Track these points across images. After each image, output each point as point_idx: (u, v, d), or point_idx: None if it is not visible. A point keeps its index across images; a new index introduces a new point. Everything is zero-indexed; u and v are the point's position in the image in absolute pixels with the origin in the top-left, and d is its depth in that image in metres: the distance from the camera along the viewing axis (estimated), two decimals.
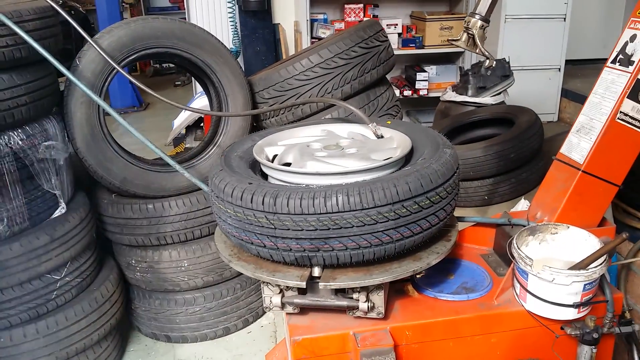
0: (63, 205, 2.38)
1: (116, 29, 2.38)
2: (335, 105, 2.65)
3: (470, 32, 2.07)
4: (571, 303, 1.64)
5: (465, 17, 2.12)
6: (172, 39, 2.46)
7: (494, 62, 2.05)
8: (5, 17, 1.96)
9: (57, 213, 2.37)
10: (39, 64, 2.22)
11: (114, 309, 2.61)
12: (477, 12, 2.07)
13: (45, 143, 2.24)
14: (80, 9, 8.63)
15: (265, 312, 3.07)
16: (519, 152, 3.82)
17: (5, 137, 2.12)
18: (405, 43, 5.65)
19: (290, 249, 1.53)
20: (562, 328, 1.71)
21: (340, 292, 1.65)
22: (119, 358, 2.79)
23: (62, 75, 2.26)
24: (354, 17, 5.57)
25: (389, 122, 2.00)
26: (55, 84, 2.40)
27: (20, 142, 2.15)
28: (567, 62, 6.04)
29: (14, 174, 2.16)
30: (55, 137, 2.28)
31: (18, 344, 2.30)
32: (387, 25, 5.49)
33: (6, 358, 2.30)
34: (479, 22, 2.06)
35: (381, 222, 1.46)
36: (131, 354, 2.86)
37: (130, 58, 2.41)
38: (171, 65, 9.72)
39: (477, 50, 2.06)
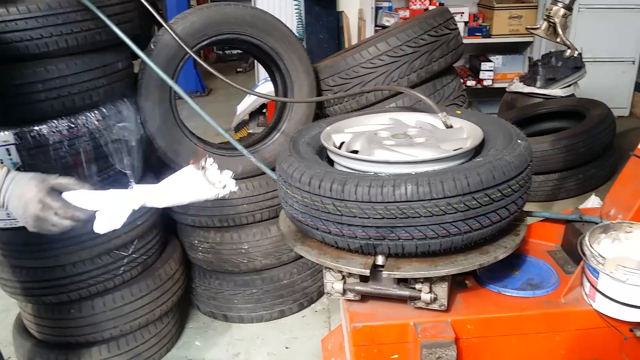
0: (133, 184, 2.47)
1: (190, 15, 2.43)
2: (400, 93, 2.63)
3: (551, 20, 2.00)
4: None
5: (535, 5, 2.06)
6: (243, 26, 2.49)
7: (576, 52, 1.97)
8: (89, 2, 2.04)
9: None
10: (116, 47, 2.29)
11: (175, 287, 2.69)
12: (559, 0, 2.00)
13: (119, 124, 2.31)
14: None
15: (320, 298, 3.10)
16: (589, 146, 3.68)
17: (83, 117, 2.20)
18: (471, 32, 5.52)
19: (356, 237, 1.53)
20: (631, 330, 1.65)
21: (402, 281, 1.64)
22: (179, 334, 2.88)
23: (136, 58, 2.34)
24: (419, 4, 5.48)
25: (459, 112, 1.96)
26: (131, 67, 2.47)
27: (96, 123, 2.22)
28: None
29: (89, 153, 2.24)
30: (128, 119, 2.36)
31: (87, 316, 2.41)
32: (453, 13, 5.35)
33: (76, 329, 2.42)
34: (562, 10, 1.99)
35: (450, 214, 1.45)
36: (190, 330, 2.95)
37: (203, 43, 2.45)
38: (233, 52, 9.87)
39: (558, 39, 1.99)
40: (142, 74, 2.41)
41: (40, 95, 2.06)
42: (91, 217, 1.32)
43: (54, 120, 2.14)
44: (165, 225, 2.81)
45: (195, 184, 1.39)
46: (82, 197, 1.33)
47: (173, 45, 2.38)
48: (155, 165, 2.77)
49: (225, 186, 1.41)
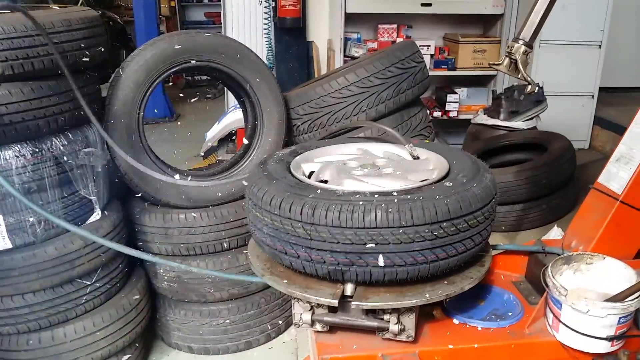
0: (98, 211, 2.42)
1: (160, 42, 2.43)
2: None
3: (513, 57, 2.07)
4: (605, 336, 1.61)
5: (498, 40, 2.13)
6: (213, 54, 2.50)
7: (536, 88, 2.04)
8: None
9: (91, 219, 2.41)
10: (83, 71, 2.28)
11: (140, 317, 2.63)
12: (520, 37, 2.07)
13: (85, 149, 2.28)
14: (119, 20, 8.88)
15: (287, 329, 3.06)
16: (551, 178, 3.78)
17: (48, 142, 2.17)
18: (437, 64, 5.65)
19: (324, 262, 1.53)
20: None
21: (370, 312, 1.64)
22: None
23: (104, 82, 2.32)
24: (387, 37, 5.60)
25: (427, 141, 2.00)
26: (98, 92, 2.45)
27: (61, 148, 2.19)
28: (601, 89, 5.96)
29: (53, 178, 2.20)
30: (94, 144, 2.33)
31: (46, 346, 2.33)
32: (420, 46, 5.48)
33: None
34: (523, 48, 2.06)
35: (418, 242, 1.46)
36: None
37: (172, 70, 2.46)
38: (202, 77, 9.87)
39: (519, 76, 2.06)
40: (110, 98, 2.39)
41: (4, 119, 2.02)
42: None
43: (18, 145, 2.10)
44: None
45: None
46: None
47: (142, 72, 2.37)
48: (121, 192, 2.73)
49: None
